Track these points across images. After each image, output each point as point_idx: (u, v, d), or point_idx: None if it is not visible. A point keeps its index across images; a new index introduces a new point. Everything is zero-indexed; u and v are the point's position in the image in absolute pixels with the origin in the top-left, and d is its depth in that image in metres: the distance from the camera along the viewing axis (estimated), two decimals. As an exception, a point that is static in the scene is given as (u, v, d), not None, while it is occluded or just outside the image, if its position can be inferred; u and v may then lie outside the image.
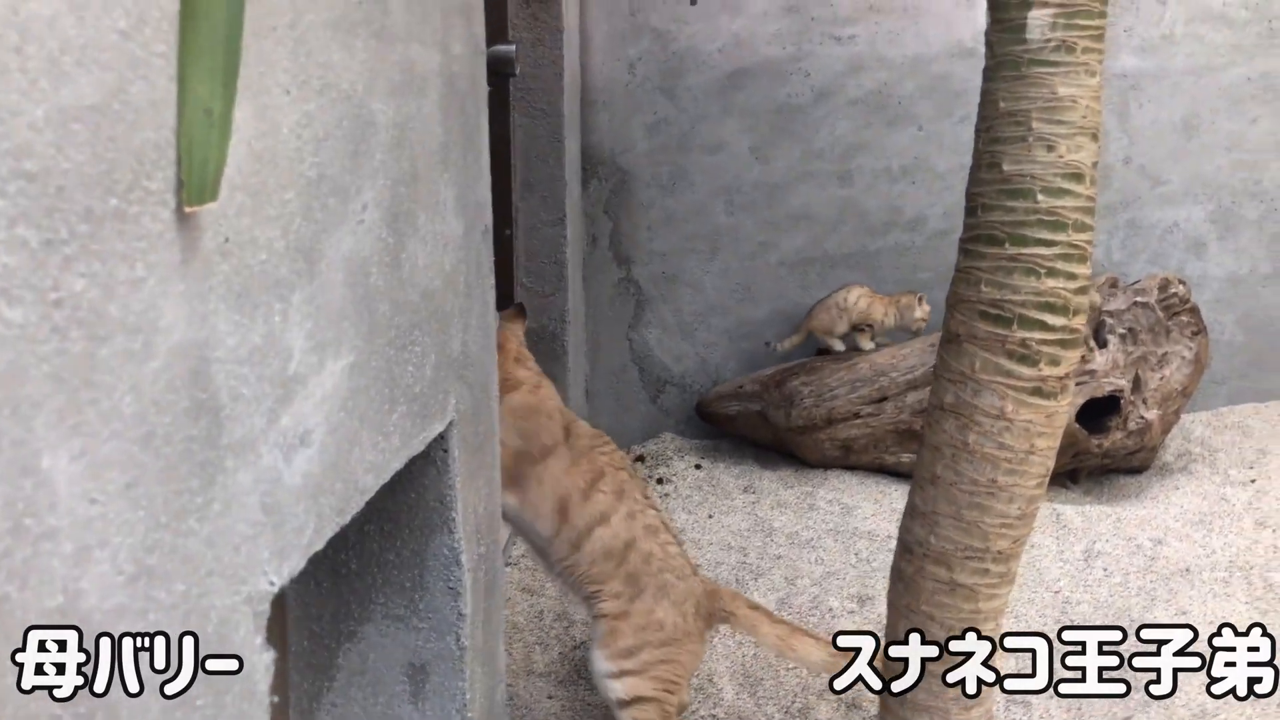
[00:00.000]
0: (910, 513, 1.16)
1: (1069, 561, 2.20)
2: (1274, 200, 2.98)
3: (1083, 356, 2.49)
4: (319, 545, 0.72)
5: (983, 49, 2.97)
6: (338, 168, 0.76)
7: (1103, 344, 2.54)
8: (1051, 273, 1.04)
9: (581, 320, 2.92)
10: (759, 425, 2.85)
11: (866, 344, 2.80)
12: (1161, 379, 2.61)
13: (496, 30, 2.39)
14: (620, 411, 3.06)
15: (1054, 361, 1.06)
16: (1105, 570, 2.15)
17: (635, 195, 2.99)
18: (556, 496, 1.46)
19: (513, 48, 2.25)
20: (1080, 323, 1.07)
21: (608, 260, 3.03)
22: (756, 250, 2.99)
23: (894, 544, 2.31)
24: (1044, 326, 1.05)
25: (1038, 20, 0.99)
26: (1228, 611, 1.95)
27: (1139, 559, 2.19)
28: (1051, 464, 1.11)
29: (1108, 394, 2.47)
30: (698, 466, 2.88)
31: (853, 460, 2.76)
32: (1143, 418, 2.51)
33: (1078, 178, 1.04)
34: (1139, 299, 2.64)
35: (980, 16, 2.92)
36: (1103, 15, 1.03)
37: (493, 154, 2.32)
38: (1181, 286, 2.70)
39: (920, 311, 2.72)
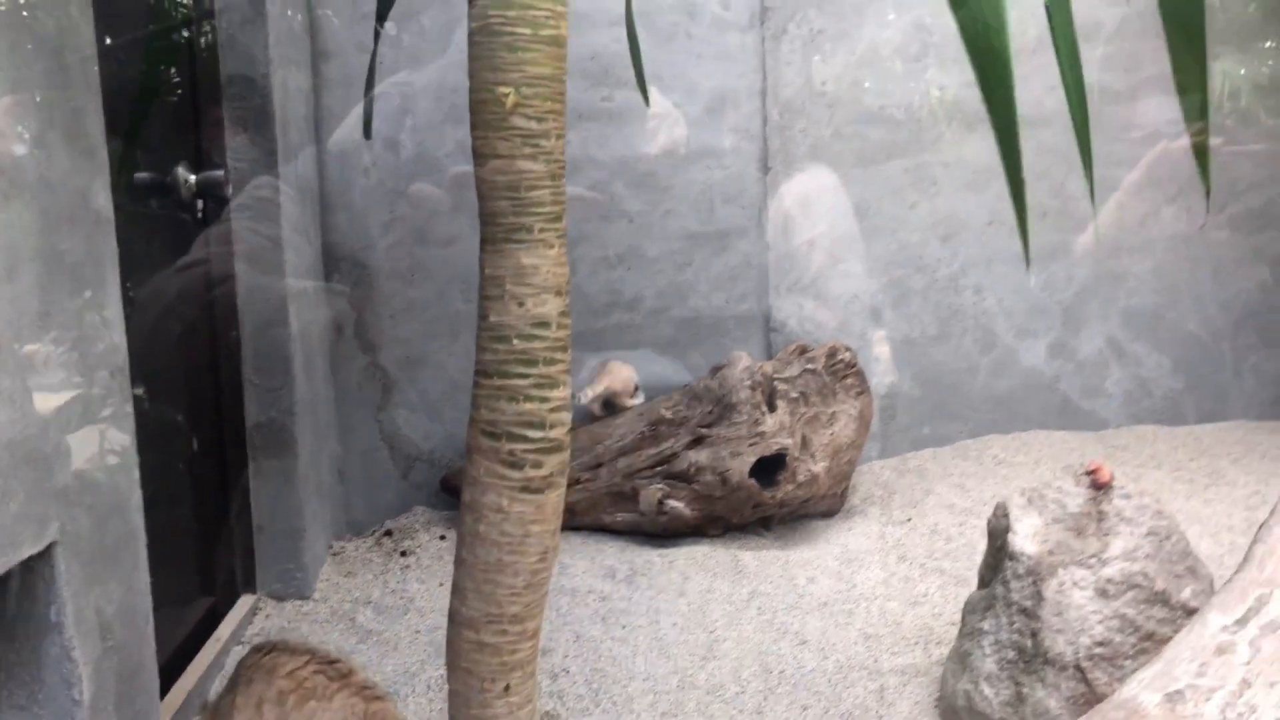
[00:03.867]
0: (452, 588, 1.46)
1: (733, 603, 2.55)
2: (934, 272, 3.46)
3: (755, 420, 2.89)
4: None
5: (681, 150, 3.37)
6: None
7: (773, 408, 2.93)
8: (529, 398, 1.36)
9: (327, 407, 3.15)
10: (495, 494, 3.13)
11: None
12: (832, 434, 3.01)
13: (214, 157, 2.64)
14: (373, 489, 3.30)
15: (537, 465, 1.37)
16: (759, 609, 2.50)
17: (377, 287, 3.26)
18: None
19: (221, 173, 2.50)
20: (559, 434, 1.39)
21: (354, 349, 3.28)
22: None
23: (591, 598, 2.63)
24: (526, 440, 1.37)
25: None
26: (840, 639, 2.32)
27: (790, 596, 2.56)
28: (550, 542, 1.43)
29: (775, 452, 2.85)
30: (442, 537, 3.14)
31: (577, 522, 3.07)
32: (810, 470, 2.90)
33: (545, 325, 1.36)
34: (809, 366, 3.05)
35: (677, 126, 3.34)
36: (556, 203, 1.37)
37: (219, 269, 2.55)
38: (847, 353, 3.12)
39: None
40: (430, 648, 2.45)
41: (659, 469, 2.99)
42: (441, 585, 2.81)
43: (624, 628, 2.44)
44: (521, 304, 1.35)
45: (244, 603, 2.66)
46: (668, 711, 2.05)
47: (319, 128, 3.13)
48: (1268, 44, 3.59)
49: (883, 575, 2.67)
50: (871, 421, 3.16)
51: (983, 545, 2.73)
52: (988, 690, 1.69)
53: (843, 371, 3.09)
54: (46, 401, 1.33)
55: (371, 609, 2.66)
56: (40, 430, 1.31)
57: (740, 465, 2.84)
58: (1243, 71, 3.60)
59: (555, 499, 1.41)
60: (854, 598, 2.54)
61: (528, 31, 1.29)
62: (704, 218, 3.36)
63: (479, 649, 1.42)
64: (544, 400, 1.37)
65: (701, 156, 3.33)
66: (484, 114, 1.33)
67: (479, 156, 1.36)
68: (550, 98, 1.33)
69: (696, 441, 2.96)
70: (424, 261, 3.27)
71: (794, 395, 3.00)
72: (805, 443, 2.94)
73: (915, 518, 3.01)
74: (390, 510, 3.29)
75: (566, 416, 1.42)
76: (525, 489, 1.37)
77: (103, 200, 1.53)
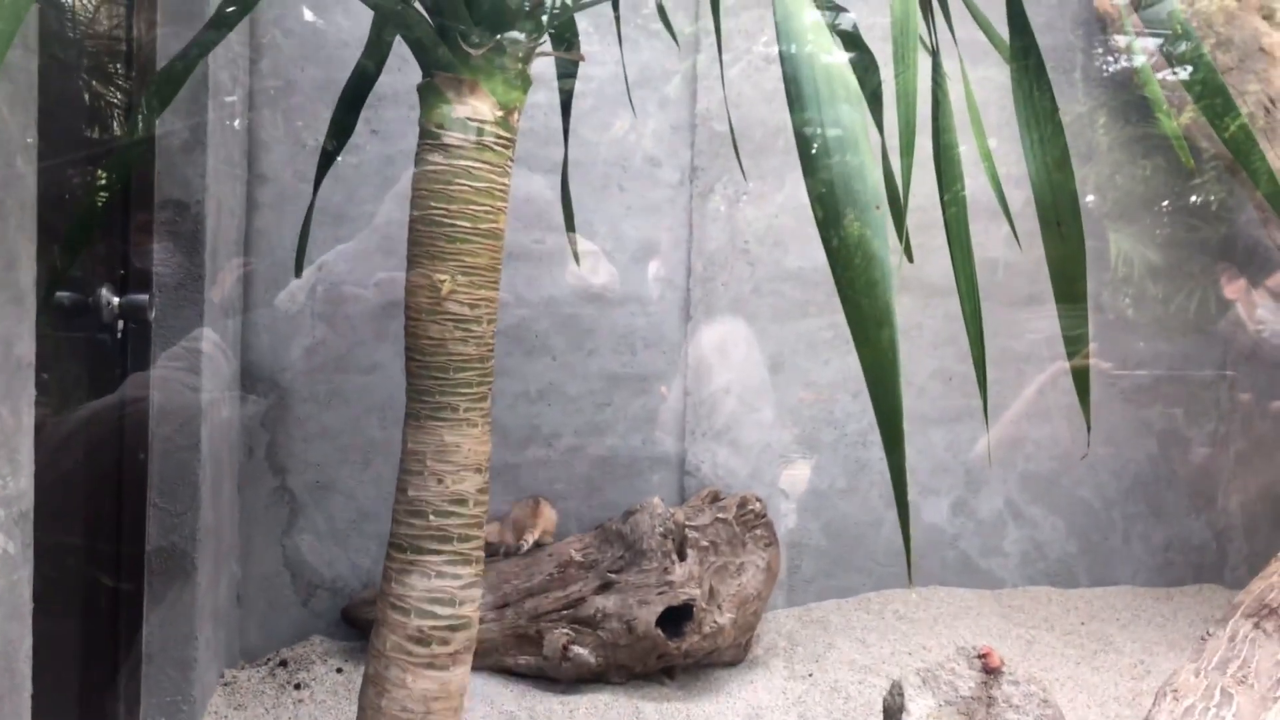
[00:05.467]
0: (350, 761, 1.44)
1: (633, 758, 2.53)
2: (844, 426, 3.58)
3: (665, 568, 2.91)
4: None
5: (606, 295, 3.46)
6: None
7: (683, 557, 2.97)
8: (440, 575, 1.38)
9: (230, 529, 3.09)
10: (397, 628, 3.08)
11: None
12: (739, 585, 3.05)
13: (140, 279, 2.63)
14: (271, 614, 3.22)
15: (444, 642, 1.39)
16: (658, 766, 2.49)
17: (293, 410, 3.24)
18: None
19: (146, 298, 2.50)
20: (469, 611, 1.41)
21: (264, 469, 3.24)
22: None
23: (489, 746, 2.58)
24: (434, 616, 1.38)
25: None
26: (738, 802, 2.32)
27: (690, 754, 2.55)
28: (453, 718, 1.43)
29: (683, 602, 2.88)
30: (339, 670, 3.06)
31: (478, 663, 3.01)
32: (716, 622, 2.93)
33: (462, 503, 1.39)
34: (720, 515, 3.11)
35: (606, 266, 3.45)
36: (483, 383, 1.41)
37: (134, 390, 2.52)
38: (758, 503, 3.19)
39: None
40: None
41: (565, 612, 2.98)
42: (335, 724, 2.74)
43: (520, 783, 2.40)
44: (441, 480, 1.38)
45: (123, 738, 2.55)
46: None
47: (248, 248, 3.15)
48: (1161, 217, 3.87)
49: (782, 734, 2.68)
50: (778, 573, 3.21)
51: (879, 706, 2.78)
52: None
53: (752, 522, 3.15)
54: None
55: (259, 750, 2.57)
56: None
57: (647, 615, 2.85)
58: (1136, 252, 3.87)
59: (460, 675, 1.42)
60: (752, 758, 2.54)
61: (467, 225, 1.35)
62: (625, 360, 3.44)
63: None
64: (456, 577, 1.39)
65: (626, 301, 3.42)
66: (419, 297, 1.38)
67: (411, 336, 1.40)
68: (485, 285, 1.39)
69: (605, 587, 2.97)
70: (342, 387, 3.27)
71: (704, 544, 3.04)
72: (713, 593, 2.97)
73: (816, 673, 3.04)
74: (287, 638, 3.21)
75: (476, 593, 1.43)
76: (430, 665, 1.38)
77: (25, 347, 1.53)
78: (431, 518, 1.37)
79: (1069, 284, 1.41)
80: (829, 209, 1.10)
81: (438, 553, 1.37)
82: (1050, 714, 1.75)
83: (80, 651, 2.45)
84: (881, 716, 2.02)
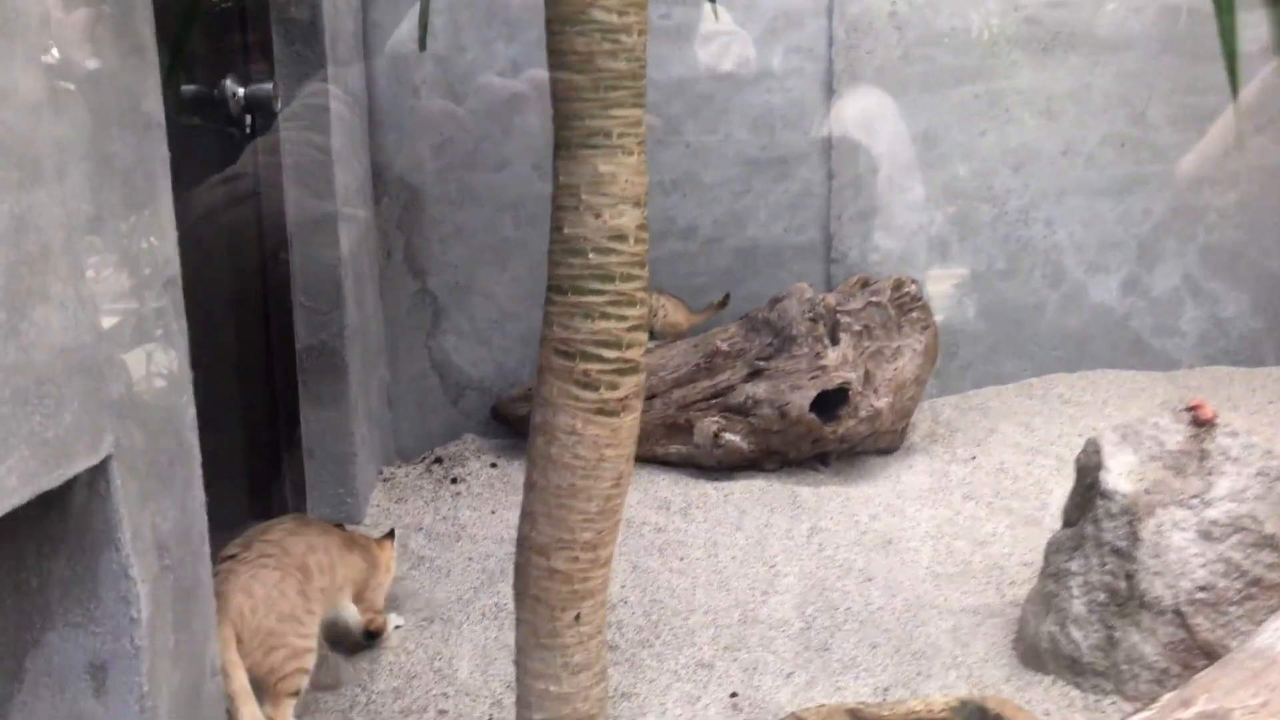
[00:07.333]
0: (521, 513, 1.39)
1: (793, 538, 2.48)
2: (1003, 204, 3.32)
3: (816, 353, 2.79)
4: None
5: (740, 72, 3.24)
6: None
7: (835, 341, 2.83)
8: (604, 316, 1.28)
9: (376, 332, 3.09)
10: (546, 424, 3.07)
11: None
12: (895, 370, 2.91)
13: (262, 69, 2.55)
14: (422, 416, 3.25)
15: (612, 386, 1.29)
16: (820, 545, 2.43)
17: (426, 211, 3.18)
18: None
19: (269, 86, 2.42)
20: (635, 355, 1.31)
21: (403, 273, 3.21)
22: (543, 260, 3.13)
23: (647, 529, 2.57)
24: (601, 359, 1.29)
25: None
26: (907, 577, 2.25)
27: (852, 533, 2.49)
28: (625, 468, 1.35)
29: (836, 386, 2.76)
30: (493, 465, 3.09)
31: (629, 453, 3.00)
32: (873, 406, 2.81)
33: (622, 238, 1.27)
34: (874, 298, 2.94)
35: (738, 44, 3.20)
36: (636, 106, 1.27)
37: (268, 187, 2.48)
38: (913, 285, 3.01)
39: (661, 314, 2.99)
40: (484, 575, 2.41)
41: (714, 401, 2.91)
42: (493, 513, 2.77)
43: (681, 559, 2.38)
44: (598, 215, 1.26)
45: (295, 527, 2.63)
46: (730, 645, 1.99)
47: (367, 43, 3.03)
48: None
49: (947, 514, 2.58)
50: (937, 357, 3.05)
51: (1054, 485, 2.64)
52: (1076, 633, 1.61)
53: (908, 304, 2.98)
54: (98, 310, 1.27)
55: (423, 535, 2.62)
56: (94, 339, 1.25)
57: (800, 399, 2.75)
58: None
59: (631, 423, 1.33)
60: (919, 536, 2.46)
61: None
62: (764, 142, 3.23)
63: (549, 576, 1.35)
64: (620, 318, 1.29)
65: (762, 78, 3.19)
66: (559, 6, 1.23)
67: (554, 54, 1.26)
68: (633, -11, 1.22)
69: (754, 374, 2.87)
70: (473, 186, 3.18)
71: (857, 329, 2.90)
72: (868, 377, 2.84)
73: (979, 456, 2.91)
74: (439, 438, 3.24)
75: (643, 336, 1.33)
76: (600, 411, 1.30)
77: (153, 103, 1.45)
78: (591, 255, 1.26)
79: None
80: None
81: (599, 293, 1.27)
82: (1276, 465, 1.58)
83: (244, 444, 2.51)
84: (1068, 493, 1.85)
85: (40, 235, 1.15)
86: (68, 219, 1.20)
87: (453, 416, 3.28)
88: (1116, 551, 1.60)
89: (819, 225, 3.28)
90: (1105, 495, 1.64)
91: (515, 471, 3.02)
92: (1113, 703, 1.61)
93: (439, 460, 3.12)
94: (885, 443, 2.97)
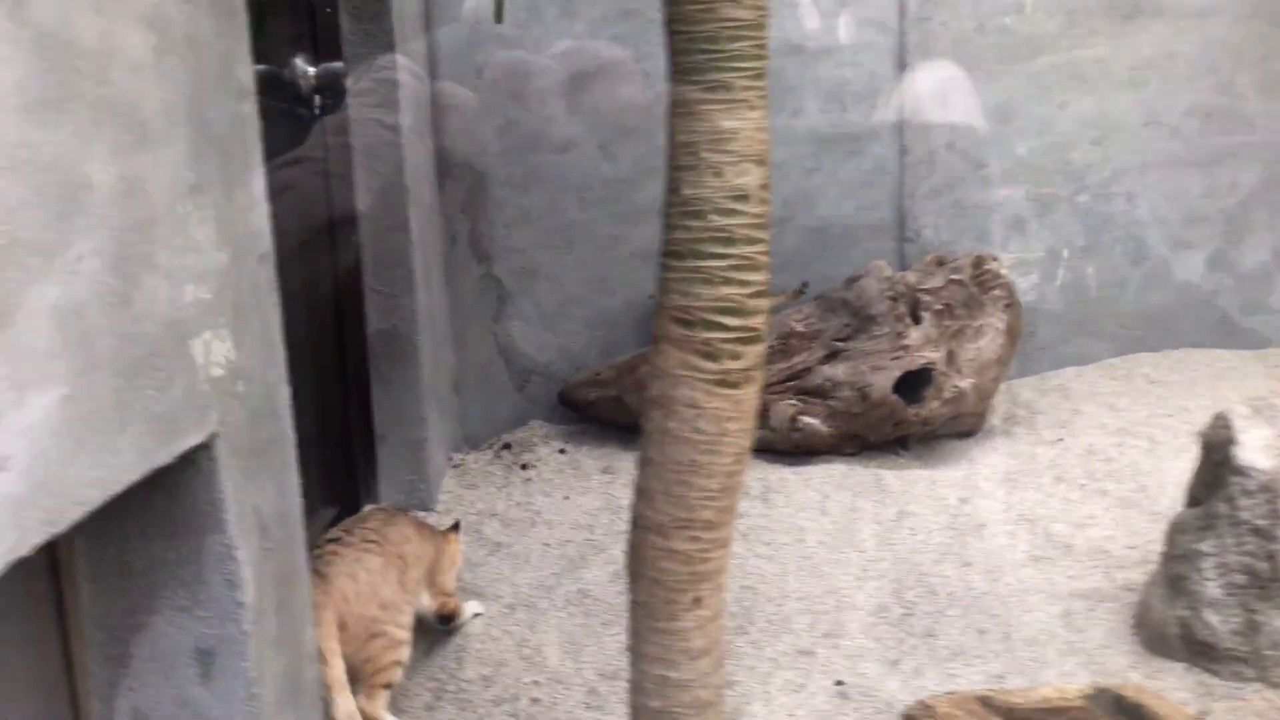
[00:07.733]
0: (636, 490, 1.33)
1: (881, 522, 2.40)
2: (1082, 178, 3.21)
3: (898, 333, 2.71)
4: (23, 553, 0.85)
5: (810, 46, 3.14)
6: (36, 230, 0.89)
7: (918, 320, 2.75)
8: (726, 281, 1.21)
9: (442, 318, 3.05)
10: (616, 409, 3.01)
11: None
12: (977, 350, 2.82)
13: (331, 48, 2.50)
14: (489, 402, 3.21)
15: (735, 356, 1.23)
16: (911, 529, 2.35)
17: (490, 194, 3.13)
18: None
19: (341, 65, 2.37)
20: (758, 323, 1.24)
21: (468, 258, 3.16)
22: (609, 243, 3.14)
23: (726, 515, 2.50)
24: (723, 328, 1.22)
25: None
26: (1007, 561, 2.16)
27: (943, 517, 2.40)
28: (746, 443, 1.29)
29: (920, 366, 2.67)
30: (562, 451, 3.04)
31: (701, 438, 2.94)
32: (957, 387, 2.72)
33: (744, 199, 1.20)
34: (954, 276, 2.85)
35: (808, 17, 3.11)
36: (758, 58, 1.20)
37: (337, 168, 2.43)
38: (994, 263, 2.91)
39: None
40: (563, 561, 2.36)
41: (790, 384, 2.83)
42: (566, 499, 2.72)
43: (767, 545, 2.31)
44: (719, 174, 1.19)
45: (369, 514, 2.59)
46: (830, 632, 1.92)
47: (430, 23, 2.98)
48: None
49: (1039, 497, 2.49)
50: (1019, 337, 2.95)
51: (1148, 467, 2.54)
52: (1212, 617, 1.52)
53: (990, 282, 2.88)
54: (201, 282, 1.22)
55: (498, 521, 2.58)
56: (197, 312, 1.20)
57: (883, 380, 2.67)
58: None
59: (753, 395, 1.27)
60: (1013, 519, 2.37)
61: None
62: (834, 118, 3.14)
63: (668, 556, 1.29)
64: (743, 284, 1.22)
65: (833, 52, 3.10)
66: (680, -48, 1.16)
67: (672, 3, 1.19)
68: (757, -70, 1.15)
69: (832, 355, 2.80)
70: (538, 169, 3.12)
71: (938, 307, 2.81)
72: (951, 358, 2.75)
73: (1066, 438, 2.81)
74: (506, 424, 3.19)
75: (765, 303, 1.26)
76: (722, 383, 1.23)
77: (245, 70, 1.40)
78: (712, 217, 1.19)
79: None
80: None
81: (721, 257, 1.20)
82: None
83: (317, 428, 2.47)
84: (1200, 457, 1.73)
85: (148, 201, 1.10)
86: (172, 185, 1.16)
87: (519, 402, 3.23)
88: (1256, 530, 1.51)
89: (891, 204, 3.19)
90: (1239, 471, 1.55)
91: (584, 457, 2.97)
92: (1256, 690, 1.52)
93: (507, 446, 3.07)
94: (967, 425, 2.87)
